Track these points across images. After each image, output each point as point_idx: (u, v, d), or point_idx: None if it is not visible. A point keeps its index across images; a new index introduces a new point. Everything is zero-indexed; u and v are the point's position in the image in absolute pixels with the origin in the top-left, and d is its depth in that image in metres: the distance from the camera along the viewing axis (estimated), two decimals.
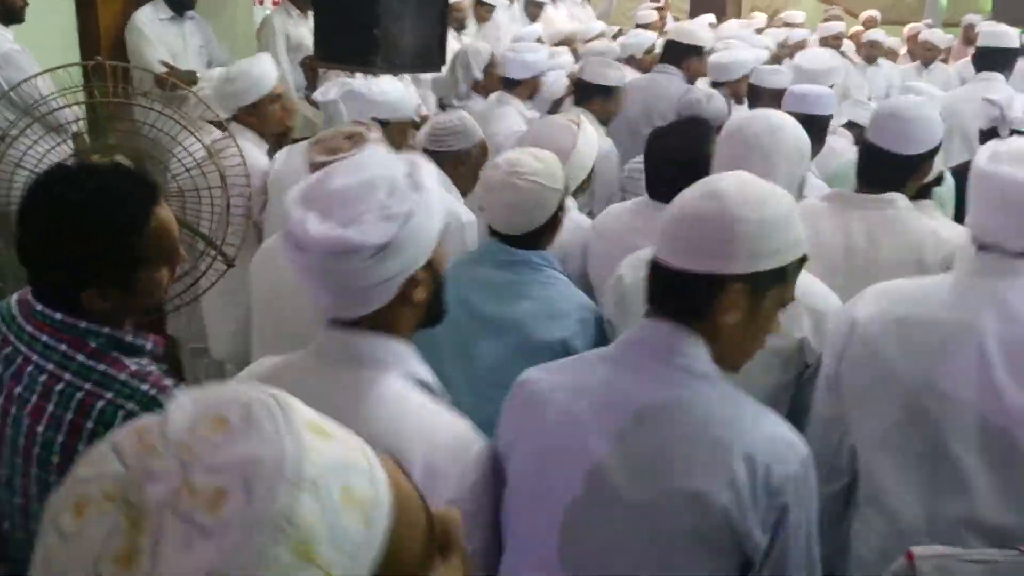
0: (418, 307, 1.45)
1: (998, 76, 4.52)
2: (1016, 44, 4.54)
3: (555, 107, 4.63)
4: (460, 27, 6.73)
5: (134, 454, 0.61)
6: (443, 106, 5.13)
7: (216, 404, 0.63)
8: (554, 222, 2.24)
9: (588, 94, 4.15)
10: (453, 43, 6.49)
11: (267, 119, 3.53)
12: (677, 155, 2.52)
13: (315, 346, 1.47)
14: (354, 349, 1.43)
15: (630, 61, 5.88)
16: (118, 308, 1.56)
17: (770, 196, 1.43)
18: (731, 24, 7.72)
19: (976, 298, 1.70)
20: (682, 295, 1.41)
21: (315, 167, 2.23)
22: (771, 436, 1.37)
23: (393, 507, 0.65)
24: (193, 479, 0.59)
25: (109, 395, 1.50)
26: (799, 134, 2.22)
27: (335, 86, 3.30)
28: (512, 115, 4.34)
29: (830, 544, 1.92)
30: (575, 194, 2.82)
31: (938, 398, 1.69)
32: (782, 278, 1.42)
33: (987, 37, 4.66)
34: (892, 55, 7.89)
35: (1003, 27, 4.60)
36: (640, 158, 3.28)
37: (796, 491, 1.35)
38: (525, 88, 4.45)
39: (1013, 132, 3.22)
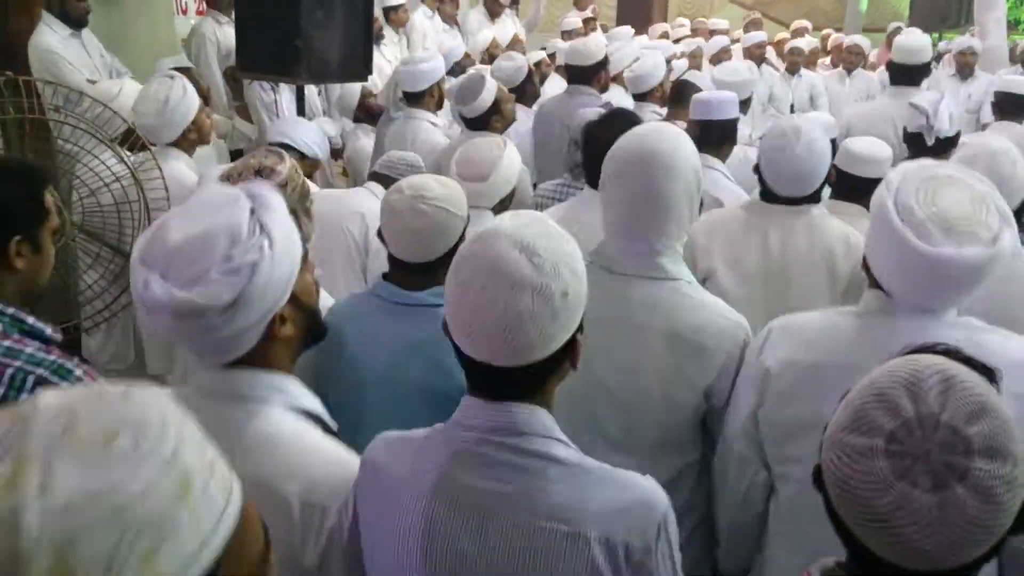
0: (288, 341, 1.41)
1: (912, 91, 4.60)
2: (929, 58, 4.64)
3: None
4: (378, 37, 6.65)
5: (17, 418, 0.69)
6: (356, 120, 5.09)
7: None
8: (455, 251, 2.13)
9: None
10: (377, 57, 6.44)
11: (204, 130, 3.49)
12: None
13: (194, 382, 1.43)
14: (230, 386, 1.38)
15: (560, 70, 5.90)
16: (28, 274, 1.69)
17: (558, 270, 1.27)
18: (641, 39, 7.78)
19: (885, 341, 1.55)
20: (515, 383, 1.29)
21: None
22: (624, 507, 1.28)
23: (241, 509, 0.78)
24: (78, 428, 0.68)
25: (17, 363, 1.54)
26: (691, 157, 1.94)
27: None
28: (424, 128, 4.29)
29: (740, 560, 1.94)
30: (495, 210, 2.79)
31: None
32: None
33: (900, 53, 4.66)
34: (813, 58, 8.04)
35: (917, 42, 4.65)
36: (552, 182, 3.38)
37: (661, 553, 1.29)
38: (430, 99, 4.39)
39: (939, 140, 3.30)
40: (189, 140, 3.38)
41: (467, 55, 6.23)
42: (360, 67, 4.51)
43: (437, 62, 4.45)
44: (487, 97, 3.95)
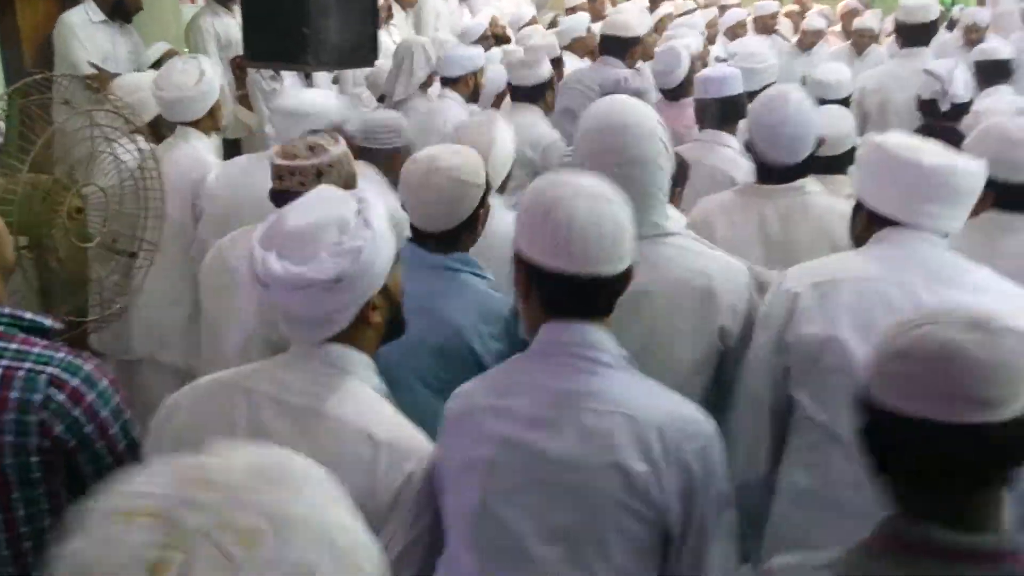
0: (377, 327, 1.59)
1: (923, 51, 4.60)
2: (935, 16, 4.64)
3: (499, 102, 4.58)
4: (387, 17, 6.64)
5: (176, 481, 0.69)
6: (381, 99, 5.05)
7: (257, 455, 0.74)
8: (475, 219, 2.21)
9: (521, 95, 4.16)
10: (383, 37, 6.43)
11: (218, 116, 3.53)
12: None
13: (286, 356, 1.60)
14: (324, 356, 1.56)
15: (572, 46, 5.87)
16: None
17: (616, 203, 1.54)
18: (665, 7, 7.70)
19: (899, 260, 1.83)
20: (591, 298, 1.53)
21: (276, 169, 2.30)
22: (679, 414, 1.52)
23: None
24: (234, 515, 0.67)
25: (28, 364, 1.54)
26: (656, 125, 2.02)
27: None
28: (454, 109, 4.29)
29: (753, 517, 1.96)
30: (498, 191, 2.80)
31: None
32: None
33: (906, 13, 4.72)
34: (828, 35, 7.93)
35: (926, 3, 4.61)
36: (570, 149, 3.31)
37: (704, 464, 1.49)
38: (464, 85, 4.40)
39: (953, 106, 3.29)
40: (210, 122, 3.41)
41: (487, 35, 6.21)
42: (367, 52, 4.52)
43: (476, 51, 4.48)
44: (544, 69, 4.00)
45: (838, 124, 2.98)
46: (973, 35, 6.78)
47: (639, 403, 1.50)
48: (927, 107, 3.36)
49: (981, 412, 1.06)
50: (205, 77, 3.32)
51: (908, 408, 1.10)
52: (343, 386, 1.55)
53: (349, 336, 1.56)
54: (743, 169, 3.21)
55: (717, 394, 2.03)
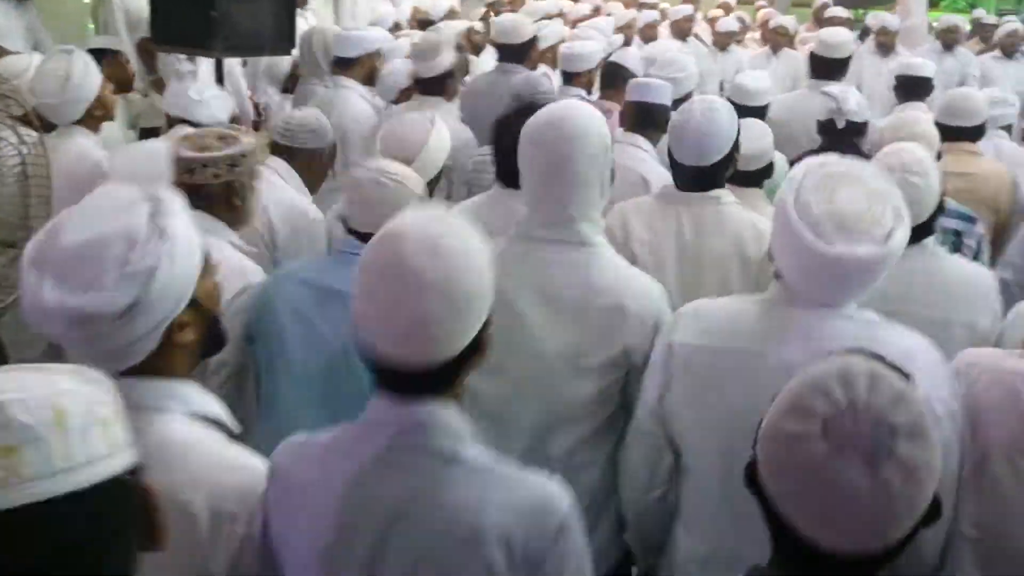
0: (187, 347, 1.39)
1: (830, 84, 4.67)
2: (849, 53, 4.70)
3: (403, 96, 4.50)
4: (302, 3, 6.50)
5: None
6: (286, 90, 4.94)
7: None
8: None
9: (423, 87, 4.07)
10: (302, 24, 6.29)
11: (108, 106, 3.33)
12: None
13: None
14: (125, 396, 1.32)
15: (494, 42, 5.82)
16: None
17: (463, 269, 1.28)
18: (582, 8, 7.73)
19: (786, 330, 1.68)
20: (421, 381, 1.30)
21: (180, 162, 2.17)
22: (524, 508, 1.29)
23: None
24: None
25: None
26: (600, 130, 1.98)
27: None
28: (354, 99, 4.16)
29: (648, 543, 1.99)
30: (429, 190, 2.77)
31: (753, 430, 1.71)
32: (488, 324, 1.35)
33: (822, 46, 4.71)
34: (741, 33, 8.08)
35: (838, 37, 4.73)
36: (482, 151, 3.33)
37: (559, 556, 1.30)
38: (360, 68, 4.25)
39: (848, 123, 3.37)
40: (95, 117, 3.23)
41: (398, 24, 6.14)
42: (282, 40, 4.41)
43: (375, 32, 4.36)
44: (447, 57, 3.90)
45: (757, 140, 3.03)
46: (883, 37, 7.01)
47: (477, 510, 1.27)
48: (825, 127, 3.45)
49: (865, 546, 1.06)
50: (71, 81, 3.09)
51: (784, 513, 1.09)
52: (149, 439, 1.26)
53: (154, 363, 1.34)
54: (654, 171, 3.24)
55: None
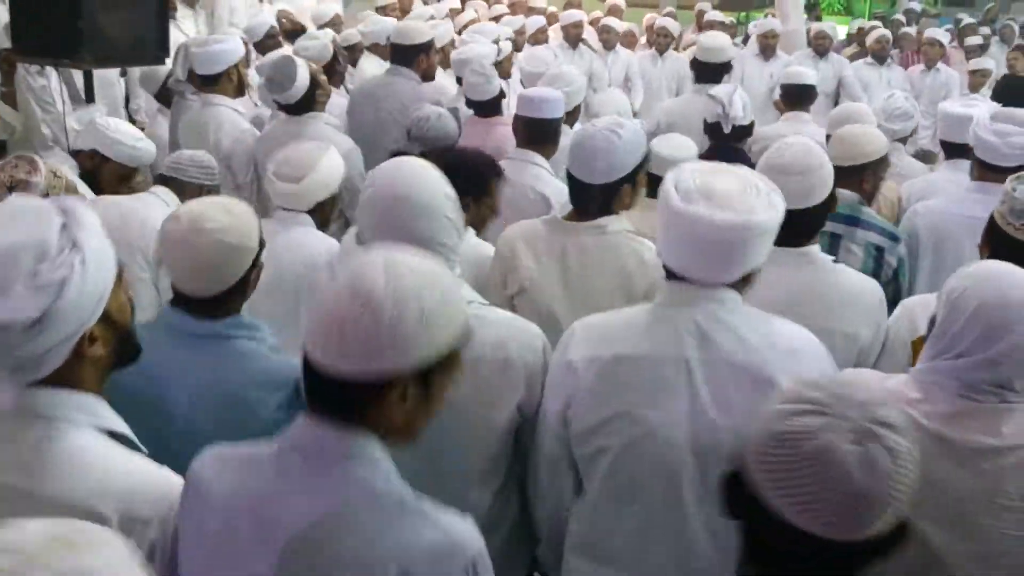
0: (98, 361, 1.39)
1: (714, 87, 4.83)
2: (729, 57, 4.86)
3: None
4: (172, 12, 6.25)
5: None
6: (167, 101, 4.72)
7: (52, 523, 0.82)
8: (245, 282, 1.95)
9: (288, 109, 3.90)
10: (176, 33, 6.05)
11: None
12: None
13: None
14: (34, 406, 1.36)
15: (374, 48, 5.72)
16: None
17: (424, 286, 1.27)
18: (468, 14, 7.70)
19: (677, 329, 1.72)
20: (345, 397, 1.27)
21: None
22: (429, 546, 1.26)
23: None
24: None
25: None
26: (430, 195, 1.86)
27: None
28: (229, 118, 3.97)
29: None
30: (312, 214, 2.76)
31: (655, 436, 1.72)
32: (452, 359, 1.33)
33: (703, 52, 4.84)
34: (630, 40, 8.19)
35: (718, 42, 4.81)
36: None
37: None
38: (228, 82, 4.04)
39: (734, 127, 3.43)
40: None
41: (273, 33, 5.91)
42: (154, 50, 4.23)
43: (233, 42, 4.13)
44: (303, 79, 3.75)
45: (683, 150, 3.02)
46: (766, 40, 7.22)
47: (382, 541, 1.25)
48: (712, 129, 3.50)
49: (848, 532, 1.13)
50: None
51: (773, 505, 1.14)
52: (57, 446, 1.33)
53: (63, 375, 1.35)
54: (552, 186, 3.22)
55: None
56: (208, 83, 4.00)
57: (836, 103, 7.41)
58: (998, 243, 2.18)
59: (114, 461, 1.37)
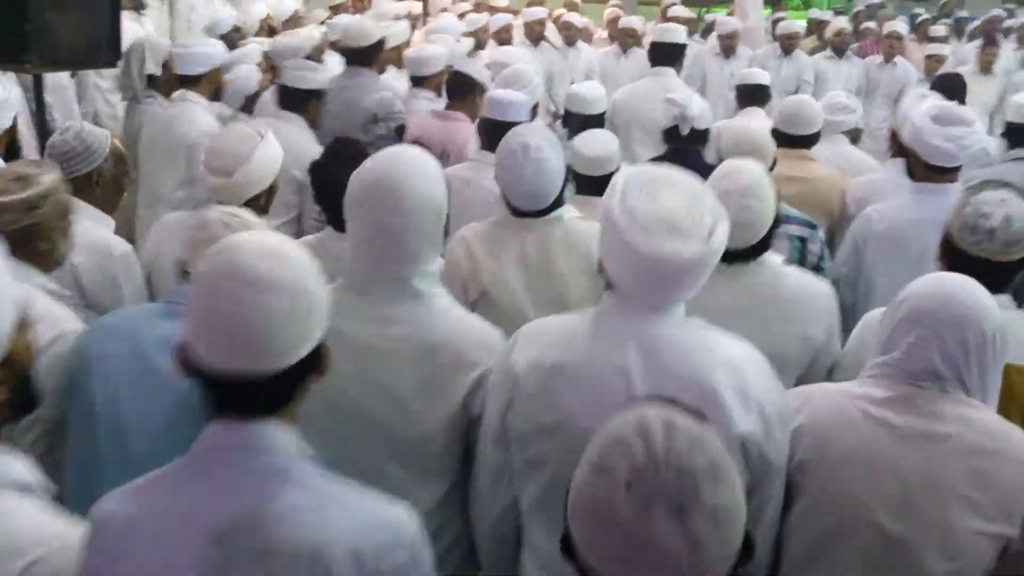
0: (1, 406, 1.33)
1: (669, 71, 4.97)
2: (683, 40, 5.09)
3: (249, 104, 4.32)
4: (139, 6, 6.16)
5: None
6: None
7: None
8: None
9: (295, 100, 3.90)
10: (137, 29, 5.96)
11: None
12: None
13: None
14: None
15: (336, 45, 5.66)
16: None
17: (302, 263, 1.32)
18: (434, 6, 7.66)
19: (621, 339, 1.71)
20: (262, 395, 1.30)
21: None
22: (374, 525, 1.31)
23: None
24: None
25: None
26: (429, 187, 1.88)
27: None
28: (199, 114, 3.97)
29: (501, 569, 1.95)
30: (251, 205, 2.61)
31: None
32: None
33: (659, 33, 5.09)
34: (588, 36, 8.18)
35: (672, 25, 5.19)
36: None
37: (417, 572, 1.35)
38: (207, 84, 4.07)
39: (692, 130, 3.45)
40: None
41: (238, 27, 5.87)
42: (107, 52, 4.15)
43: (217, 47, 4.15)
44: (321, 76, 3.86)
45: (602, 146, 3.04)
46: (726, 40, 7.27)
47: (322, 527, 1.27)
48: (670, 133, 3.52)
49: None
50: None
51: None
52: None
53: None
54: None
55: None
56: (187, 83, 4.01)
57: None
58: (954, 258, 2.18)
59: (17, 522, 1.29)
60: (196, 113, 3.97)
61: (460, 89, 4.16)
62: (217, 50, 4.14)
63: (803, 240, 2.88)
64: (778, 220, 2.36)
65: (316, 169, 2.65)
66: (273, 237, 1.34)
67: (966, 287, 1.72)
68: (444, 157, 3.57)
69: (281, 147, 3.55)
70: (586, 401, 1.69)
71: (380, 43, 4.52)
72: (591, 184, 2.99)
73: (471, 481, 1.93)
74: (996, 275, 2.11)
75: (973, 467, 1.65)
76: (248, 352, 1.24)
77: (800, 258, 2.89)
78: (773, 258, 2.37)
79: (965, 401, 1.69)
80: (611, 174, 2.98)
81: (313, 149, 3.73)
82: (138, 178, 4.01)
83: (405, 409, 1.85)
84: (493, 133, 3.30)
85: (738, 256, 2.18)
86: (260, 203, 2.74)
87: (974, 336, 1.67)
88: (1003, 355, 1.72)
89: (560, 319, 1.86)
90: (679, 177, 1.71)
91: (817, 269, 2.92)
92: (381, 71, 4.54)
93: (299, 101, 3.87)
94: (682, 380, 1.66)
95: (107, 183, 2.75)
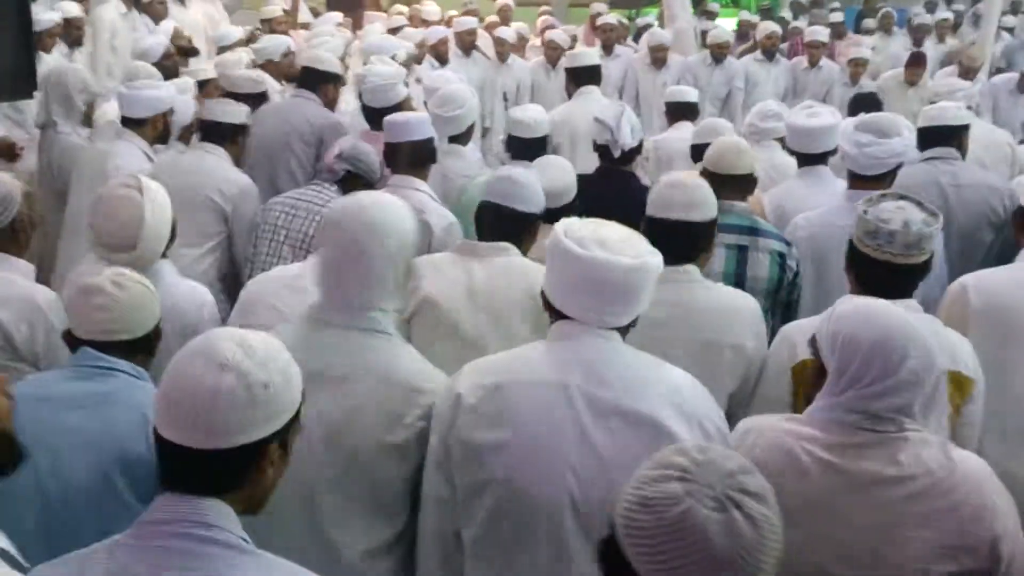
0: None
1: (594, 89, 5.09)
2: (596, 60, 5.28)
3: (186, 134, 4.21)
4: (75, 43, 6.07)
5: None
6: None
7: None
8: (156, 335, 2.10)
9: (216, 134, 3.81)
10: (64, 61, 5.81)
11: None
12: None
13: None
14: None
15: (267, 66, 5.56)
16: None
17: (271, 346, 1.39)
18: (374, 27, 7.58)
19: (563, 360, 1.79)
20: (215, 470, 1.32)
21: None
22: None
23: None
24: None
25: None
26: (401, 227, 1.99)
27: None
28: (133, 153, 3.81)
29: None
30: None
31: (538, 456, 1.73)
32: (299, 416, 1.42)
33: (572, 59, 5.32)
34: (522, 43, 8.17)
35: (581, 51, 5.46)
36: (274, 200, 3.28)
37: None
38: (152, 127, 3.89)
39: (622, 151, 3.46)
40: None
41: (170, 53, 5.67)
42: (21, 82, 4.04)
43: (165, 90, 3.99)
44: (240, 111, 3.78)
45: (560, 177, 3.04)
46: (656, 53, 7.35)
47: None
48: (602, 152, 3.53)
49: None
50: None
51: (640, 571, 1.15)
52: None
53: None
54: (435, 213, 3.19)
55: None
56: (129, 126, 3.85)
57: (724, 107, 7.61)
58: (860, 264, 2.26)
59: None
60: (130, 152, 3.80)
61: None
62: (166, 93, 3.98)
63: (782, 255, 2.87)
64: (712, 229, 2.46)
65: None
66: (254, 335, 1.39)
67: (901, 321, 1.70)
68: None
69: (204, 175, 3.59)
70: (527, 418, 1.75)
71: (337, 76, 4.53)
72: (550, 214, 2.94)
73: (419, 519, 1.92)
74: (901, 279, 2.21)
75: (926, 509, 1.62)
76: (191, 425, 1.28)
77: (780, 273, 2.87)
78: (696, 270, 2.44)
79: (912, 439, 1.67)
80: (568, 206, 3.00)
81: (237, 178, 3.73)
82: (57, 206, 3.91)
83: (363, 436, 1.88)
84: (398, 156, 3.32)
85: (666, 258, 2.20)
86: (168, 248, 2.64)
87: (915, 373, 1.65)
88: (942, 382, 1.74)
89: (506, 352, 1.95)
90: (618, 225, 1.86)
91: (794, 284, 2.93)
92: (331, 99, 4.47)
93: (222, 135, 3.79)
94: (621, 396, 1.74)
95: (26, 227, 2.67)
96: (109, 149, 3.85)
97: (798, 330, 2.33)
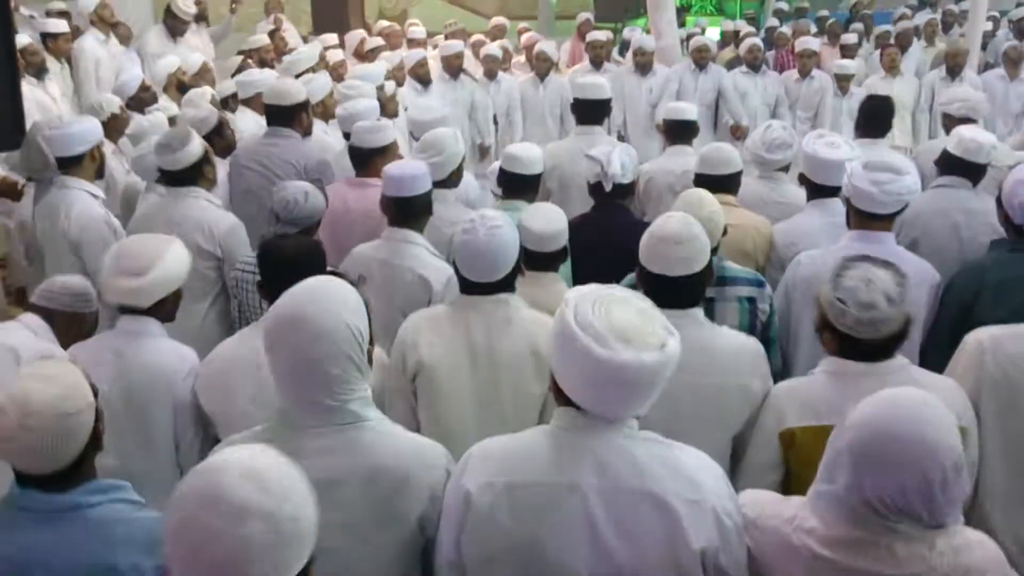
0: None
1: (597, 129, 4.65)
2: (607, 96, 4.70)
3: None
4: (39, 72, 5.98)
5: None
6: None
7: None
8: (94, 442, 1.87)
9: (172, 180, 3.79)
10: (40, 95, 5.76)
11: None
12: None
13: None
14: None
15: (251, 103, 5.48)
16: None
17: (287, 476, 1.34)
18: (338, 52, 7.52)
19: (575, 456, 1.72)
20: None
21: None
22: None
23: None
24: None
25: None
26: (347, 316, 1.80)
27: None
28: (79, 199, 3.76)
29: None
30: (153, 312, 2.68)
31: (551, 563, 1.69)
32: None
33: (580, 90, 4.69)
34: (507, 58, 8.12)
35: (595, 82, 4.77)
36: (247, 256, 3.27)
37: None
38: (90, 162, 3.83)
39: (615, 185, 3.43)
40: None
41: (147, 86, 5.68)
42: (8, 132, 3.96)
43: (90, 123, 3.93)
44: (194, 148, 3.68)
45: (553, 222, 3.00)
46: (640, 58, 7.32)
47: None
48: (594, 189, 3.50)
49: None
50: None
51: None
52: None
53: None
54: (432, 267, 3.15)
55: None
56: (66, 165, 3.79)
57: (716, 113, 7.61)
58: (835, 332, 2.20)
59: None
60: (78, 200, 3.75)
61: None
62: (93, 124, 3.92)
63: (752, 300, 2.86)
64: (711, 273, 2.46)
65: (266, 253, 2.70)
66: (260, 458, 1.34)
67: (920, 416, 1.58)
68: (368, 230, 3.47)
69: (188, 217, 3.57)
70: (543, 522, 1.69)
71: (305, 102, 4.43)
72: (540, 259, 2.97)
73: None
74: (878, 349, 2.17)
75: None
76: None
77: (751, 320, 2.87)
78: (699, 313, 2.44)
79: (915, 537, 1.60)
80: (558, 252, 2.98)
81: (222, 216, 3.71)
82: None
83: (362, 539, 1.81)
84: (395, 210, 3.25)
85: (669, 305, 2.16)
86: (167, 308, 2.72)
87: (929, 474, 1.54)
88: (965, 476, 1.61)
89: (512, 437, 1.86)
90: (626, 294, 1.77)
91: (766, 328, 2.91)
92: (306, 134, 4.41)
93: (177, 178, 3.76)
94: (637, 494, 1.69)
95: (82, 329, 2.86)
96: (57, 203, 3.76)
97: (786, 395, 2.32)
